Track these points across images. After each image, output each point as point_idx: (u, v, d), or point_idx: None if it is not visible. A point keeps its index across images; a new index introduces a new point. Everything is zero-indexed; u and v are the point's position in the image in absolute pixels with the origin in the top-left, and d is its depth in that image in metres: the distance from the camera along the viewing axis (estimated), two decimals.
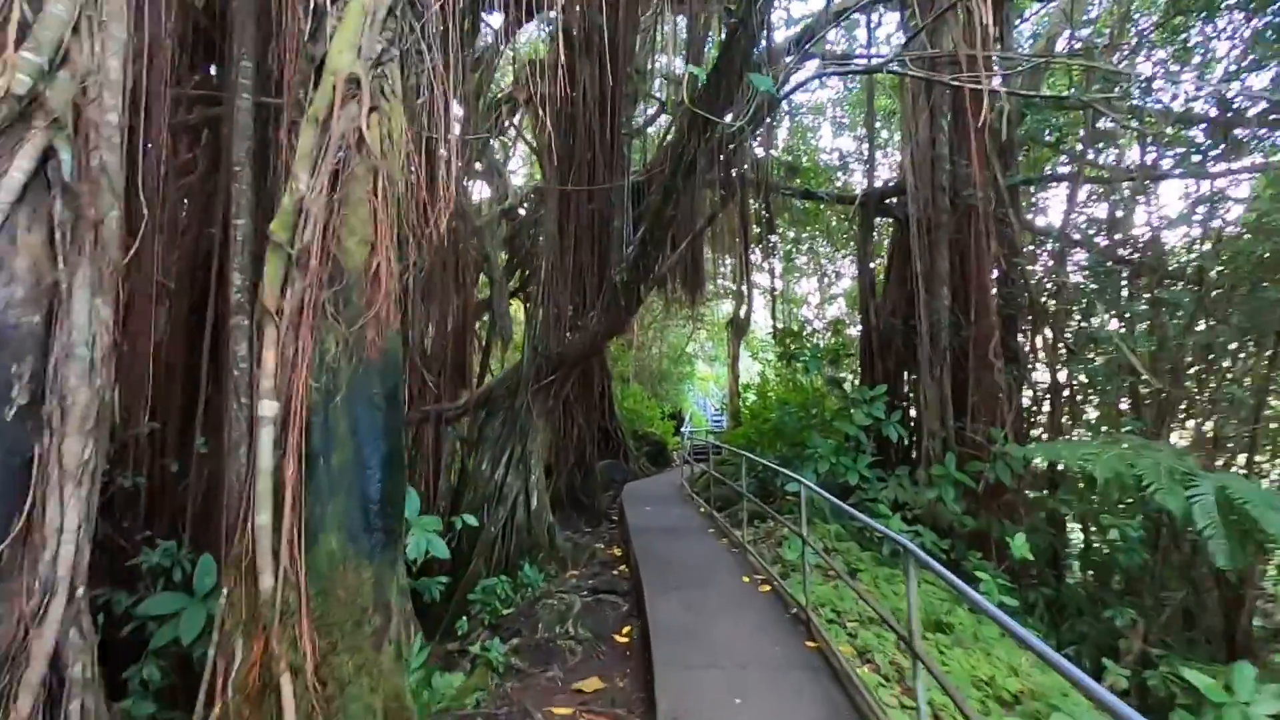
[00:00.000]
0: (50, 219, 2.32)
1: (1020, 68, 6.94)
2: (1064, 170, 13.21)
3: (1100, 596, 7.20)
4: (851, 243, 17.88)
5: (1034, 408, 11.01)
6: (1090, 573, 8.05)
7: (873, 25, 13.47)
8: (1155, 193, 10.98)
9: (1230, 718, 3.93)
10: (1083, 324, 10.71)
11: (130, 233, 5.24)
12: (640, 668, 5.20)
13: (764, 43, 7.71)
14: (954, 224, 10.12)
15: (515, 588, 7.41)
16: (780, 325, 16.63)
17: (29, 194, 2.30)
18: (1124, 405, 10.19)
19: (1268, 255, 8.74)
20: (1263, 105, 9.73)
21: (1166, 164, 11.10)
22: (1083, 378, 9.12)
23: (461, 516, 4.83)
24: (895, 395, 10.60)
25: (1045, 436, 10.62)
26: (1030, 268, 9.66)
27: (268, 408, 2.39)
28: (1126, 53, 11.01)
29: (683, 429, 22.14)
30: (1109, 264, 10.08)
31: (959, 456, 8.56)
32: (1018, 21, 13.40)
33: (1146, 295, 8.49)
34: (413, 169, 2.76)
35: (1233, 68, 10.34)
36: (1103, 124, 11.69)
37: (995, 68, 8.17)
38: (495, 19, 10.54)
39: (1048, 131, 13.30)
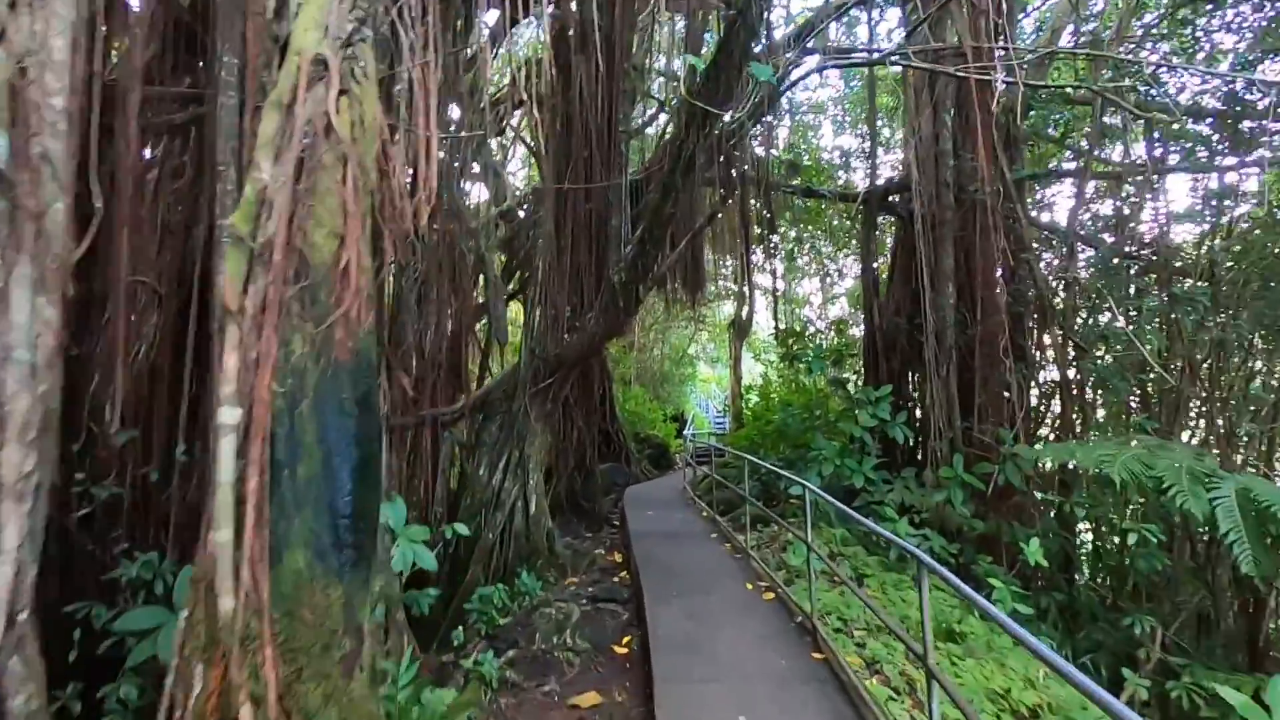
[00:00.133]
0: None
1: (1026, 58, 6.74)
2: (1069, 167, 13.06)
3: (1115, 602, 6.98)
4: (854, 241, 17.71)
5: (1040, 407, 10.80)
6: (1102, 578, 7.84)
7: (873, 23, 13.31)
8: (1163, 188, 10.76)
9: None
10: (1090, 321, 10.51)
11: (101, 230, 5.06)
12: (640, 681, 5.01)
13: (763, 36, 7.53)
14: (959, 220, 9.94)
15: (512, 596, 7.22)
16: (782, 326, 16.44)
17: None
18: (1132, 404, 10.01)
19: (1279, 251, 8.55)
20: (1272, 97, 9.54)
21: (1173, 159, 10.93)
22: (1092, 376, 8.89)
23: (453, 525, 4.63)
24: (900, 396, 10.40)
25: (1053, 436, 10.41)
26: (1039, 264, 9.44)
27: (229, 414, 2.21)
28: (1132, 46, 10.82)
29: (685, 431, 21.95)
30: (1115, 261, 9.88)
31: (966, 458, 8.36)
32: (1021, 16, 13.24)
33: (1159, 291, 8.27)
34: (390, 159, 2.58)
35: (1239, 62, 10.14)
36: (1109, 119, 11.53)
37: (1000, 60, 7.99)
38: (491, 16, 10.40)
39: (1052, 126, 13.14)
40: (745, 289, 17.53)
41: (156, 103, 6.22)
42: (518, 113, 15.85)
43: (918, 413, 10.77)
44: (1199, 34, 10.83)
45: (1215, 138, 10.45)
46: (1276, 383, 8.19)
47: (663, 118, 14.36)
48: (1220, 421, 9.07)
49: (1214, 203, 10.22)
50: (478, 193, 17.32)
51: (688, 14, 11.08)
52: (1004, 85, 10.39)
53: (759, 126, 12.08)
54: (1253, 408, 8.78)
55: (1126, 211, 11.16)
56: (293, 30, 2.31)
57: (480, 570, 8.68)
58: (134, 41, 4.26)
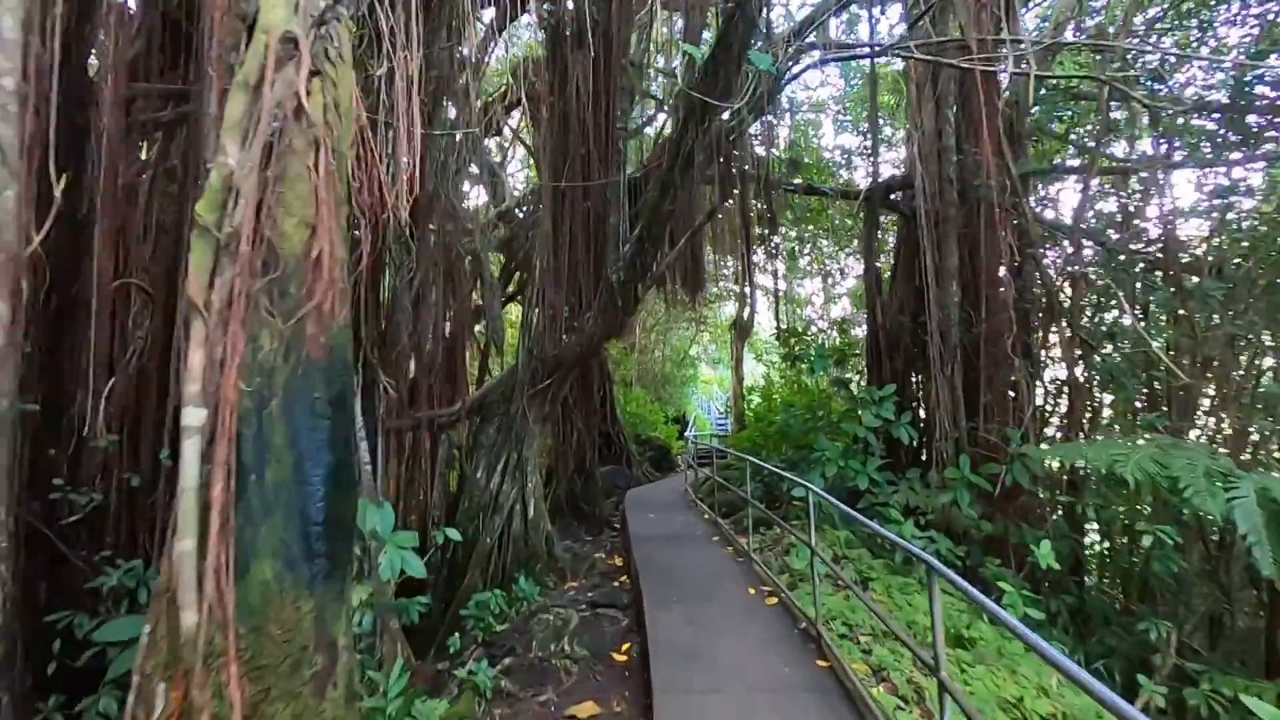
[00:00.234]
0: None
1: (1030, 49, 6.59)
2: (1072, 165, 12.90)
3: (1126, 605, 6.82)
4: (856, 240, 17.56)
5: (1046, 406, 10.65)
6: (1111, 580, 7.67)
7: (874, 21, 13.18)
8: (1169, 184, 10.60)
9: None
10: (1097, 318, 10.35)
11: (85, 231, 4.93)
12: (639, 690, 4.86)
13: (763, 30, 7.40)
14: (962, 217, 9.79)
15: (510, 602, 7.08)
16: (784, 326, 16.29)
17: None
18: (1140, 402, 9.84)
19: None
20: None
21: (1179, 155, 10.77)
22: (1097, 374, 8.73)
23: (445, 530, 4.49)
24: (904, 396, 10.24)
25: (1060, 436, 10.25)
26: (1044, 260, 9.28)
27: (193, 416, 2.07)
28: (1136, 41, 10.66)
29: (687, 433, 21.79)
30: (1121, 257, 9.72)
31: (972, 458, 8.20)
32: (1023, 10, 13.09)
33: (1172, 288, 8.11)
34: (368, 145, 2.44)
35: (1244, 55, 9.99)
36: (1115, 114, 11.37)
37: (1004, 53, 7.85)
38: (488, 14, 10.28)
39: (1056, 123, 12.98)
40: (747, 289, 17.38)
41: (145, 100, 6.11)
42: (516, 113, 15.77)
43: (921, 413, 10.61)
44: (1204, 25, 10.68)
45: (1221, 133, 10.31)
46: None
47: (661, 117, 14.26)
48: (1225, 418, 8.92)
49: (1221, 198, 10.05)
50: (477, 194, 17.27)
51: (685, 10, 10.97)
52: (1008, 78, 10.31)
53: (759, 124, 11.95)
54: (1260, 405, 8.62)
55: (1132, 208, 11.02)
56: (261, 7, 2.18)
57: (478, 575, 8.54)
58: (114, 35, 4.13)
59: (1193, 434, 9.21)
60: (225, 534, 2.02)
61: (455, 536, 4.51)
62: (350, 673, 2.13)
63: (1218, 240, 9.84)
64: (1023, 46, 6.39)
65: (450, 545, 9.26)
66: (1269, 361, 9.22)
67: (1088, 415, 8.88)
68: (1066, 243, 10.92)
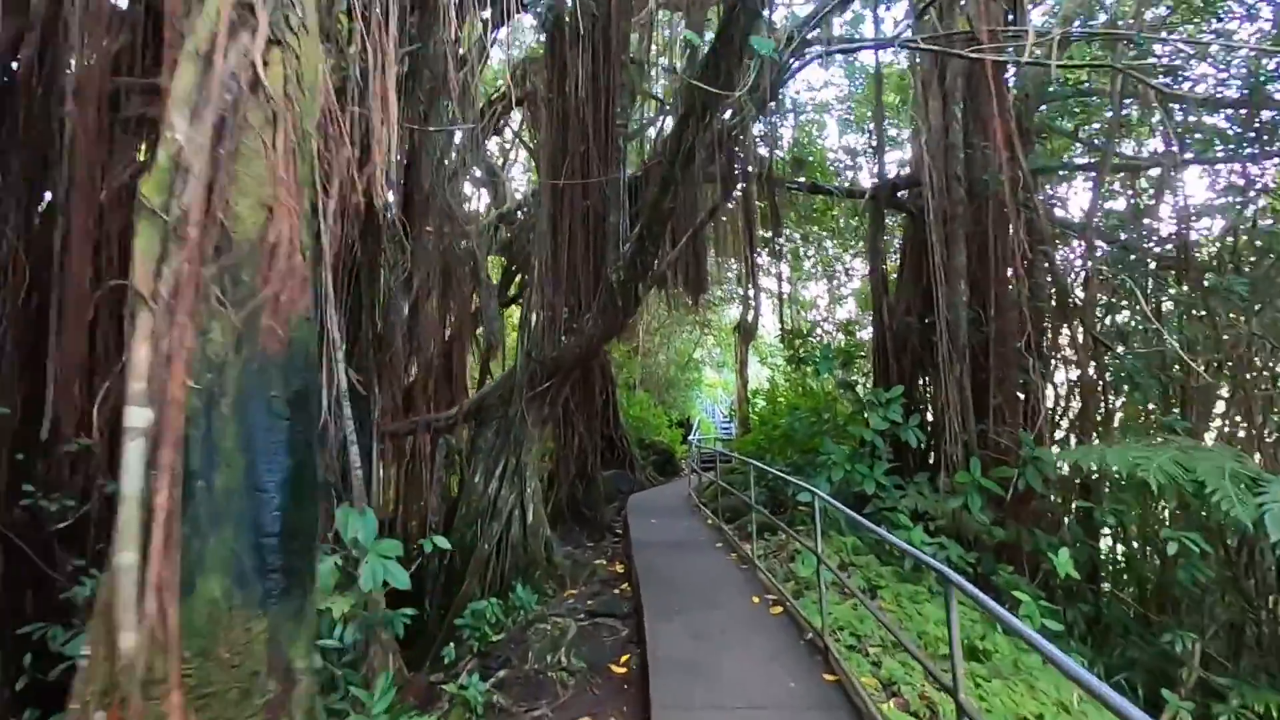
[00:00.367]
0: None
1: (1041, 40, 6.39)
2: (1080, 163, 12.68)
3: (1144, 614, 6.57)
4: (861, 241, 17.34)
5: (1056, 408, 10.40)
6: (1127, 587, 7.41)
7: (879, 21, 13.00)
8: (1182, 181, 10.37)
9: None
10: (1109, 317, 10.11)
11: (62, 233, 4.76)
12: (638, 705, 4.65)
13: (765, 23, 7.21)
14: (970, 215, 9.57)
15: (506, 611, 6.88)
16: (789, 328, 16.07)
17: None
18: (1153, 404, 9.59)
19: None
20: None
21: (1188, 153, 10.53)
22: (1113, 374, 8.48)
23: (433, 538, 4.30)
24: (911, 398, 10.00)
25: (1072, 438, 10.00)
26: (1055, 258, 9.05)
27: (137, 416, 1.88)
28: (1148, 32, 10.43)
29: (690, 436, 21.57)
30: (1133, 257, 9.48)
31: (983, 462, 7.96)
32: (1031, 6, 12.88)
33: (1183, 285, 7.86)
34: (338, 124, 2.25)
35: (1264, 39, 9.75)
36: (1125, 110, 11.14)
37: (1012, 49, 7.64)
38: (487, 10, 10.13)
39: (1064, 119, 12.76)
40: (750, 291, 17.15)
41: (134, 97, 5.95)
42: (517, 114, 15.64)
43: (929, 415, 10.37)
44: (1215, 18, 10.44)
45: (1233, 130, 10.08)
46: None
47: (663, 119, 14.09)
48: (1241, 419, 8.66)
49: (1235, 196, 9.81)
50: (479, 197, 17.14)
51: (686, 8, 10.81)
52: (1017, 72, 10.09)
53: (762, 123, 11.76)
54: (1278, 407, 8.36)
55: (1145, 204, 10.78)
56: None
57: (476, 582, 8.34)
58: (90, 28, 3.98)
59: (1207, 436, 8.96)
60: (169, 547, 1.83)
61: (444, 545, 4.31)
62: (310, 699, 1.93)
63: (1232, 239, 9.59)
64: (1032, 36, 6.17)
65: (447, 552, 9.07)
66: None
67: (1103, 417, 8.61)
68: (1077, 241, 10.69)
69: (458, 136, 9.54)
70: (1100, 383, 8.69)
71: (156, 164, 1.93)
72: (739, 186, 11.37)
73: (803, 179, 13.01)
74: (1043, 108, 11.38)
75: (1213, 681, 5.35)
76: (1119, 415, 9.91)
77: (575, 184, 8.31)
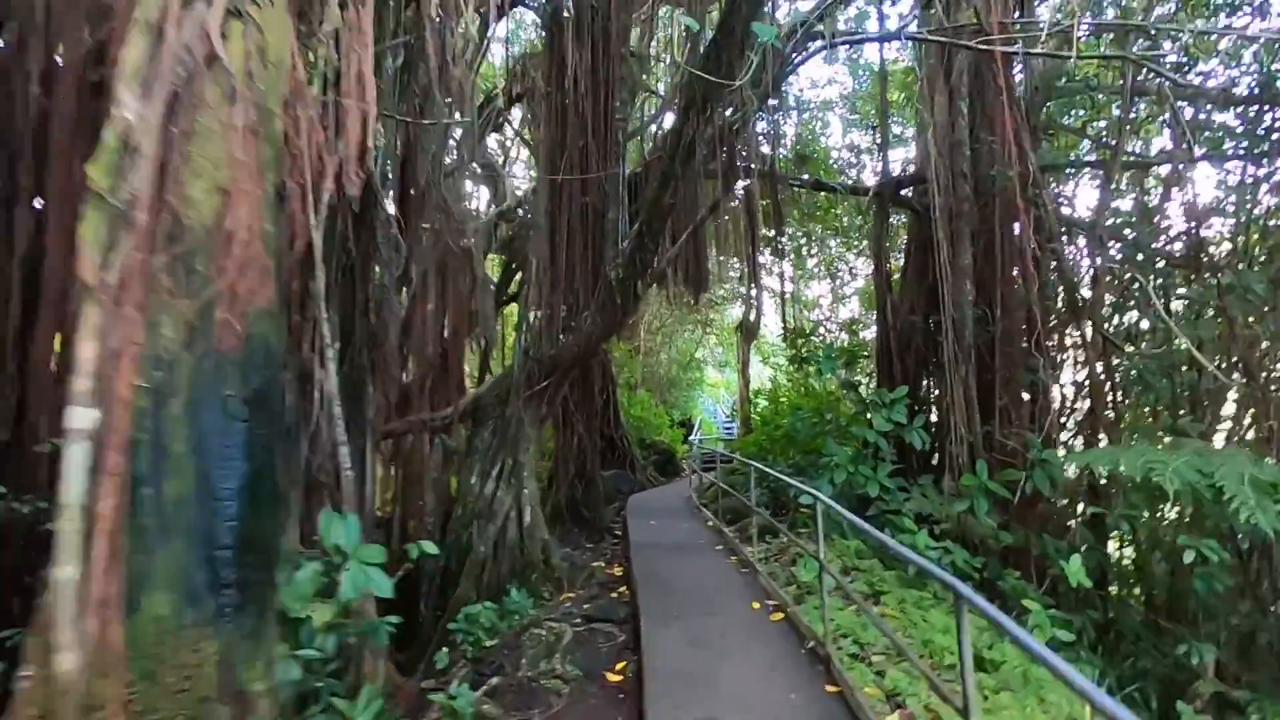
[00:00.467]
0: None
1: (1050, 28, 6.22)
2: (1088, 161, 12.49)
3: (1155, 621, 6.39)
4: (864, 239, 17.16)
5: (1061, 409, 10.22)
6: (1138, 594, 7.23)
7: (884, 17, 12.83)
8: (1191, 179, 10.18)
9: None
10: (1118, 317, 9.93)
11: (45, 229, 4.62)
12: (633, 716, 4.50)
13: (769, 9, 7.04)
14: (977, 213, 9.41)
15: (501, 615, 6.72)
16: (791, 326, 15.90)
17: None
18: (1162, 406, 9.40)
19: None
20: None
21: (1196, 151, 10.34)
22: (1122, 375, 8.29)
23: (419, 545, 4.15)
24: (915, 399, 9.83)
25: (1078, 440, 9.83)
26: (1064, 255, 8.86)
27: (82, 416, 1.73)
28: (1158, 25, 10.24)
29: (691, 436, 21.40)
30: (1141, 256, 9.30)
31: (989, 464, 7.79)
32: (1037, 3, 12.69)
33: (1195, 283, 7.68)
34: (308, 103, 2.10)
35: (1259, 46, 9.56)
36: (1134, 113, 10.94)
37: (1021, 41, 7.47)
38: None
39: (1070, 118, 12.57)
40: (752, 290, 16.98)
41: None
42: (518, 111, 15.49)
43: (933, 416, 10.20)
44: (1228, 10, 10.25)
45: (1241, 127, 9.90)
46: None
47: (663, 115, 13.92)
48: (1251, 421, 8.47)
49: (1246, 194, 9.63)
50: (481, 195, 17.00)
51: (688, 3, 10.64)
52: (1023, 69, 9.91)
53: (765, 119, 11.59)
54: None
55: (1154, 202, 10.60)
56: None
57: (472, 585, 8.20)
58: (68, 18, 3.84)
59: (1216, 439, 8.78)
60: (113, 560, 1.68)
61: (431, 550, 4.15)
62: None
63: (1243, 238, 9.41)
64: (1041, 26, 6.01)
65: (445, 554, 8.93)
66: None
67: (1115, 418, 8.42)
68: (1083, 239, 10.51)
69: (457, 131, 9.40)
70: (1109, 384, 8.50)
71: (104, 144, 1.78)
72: (741, 183, 11.22)
73: (806, 175, 12.82)
74: (1049, 104, 11.20)
75: (1232, 695, 5.17)
76: (1127, 417, 9.73)
77: (574, 180, 8.16)
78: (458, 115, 9.14)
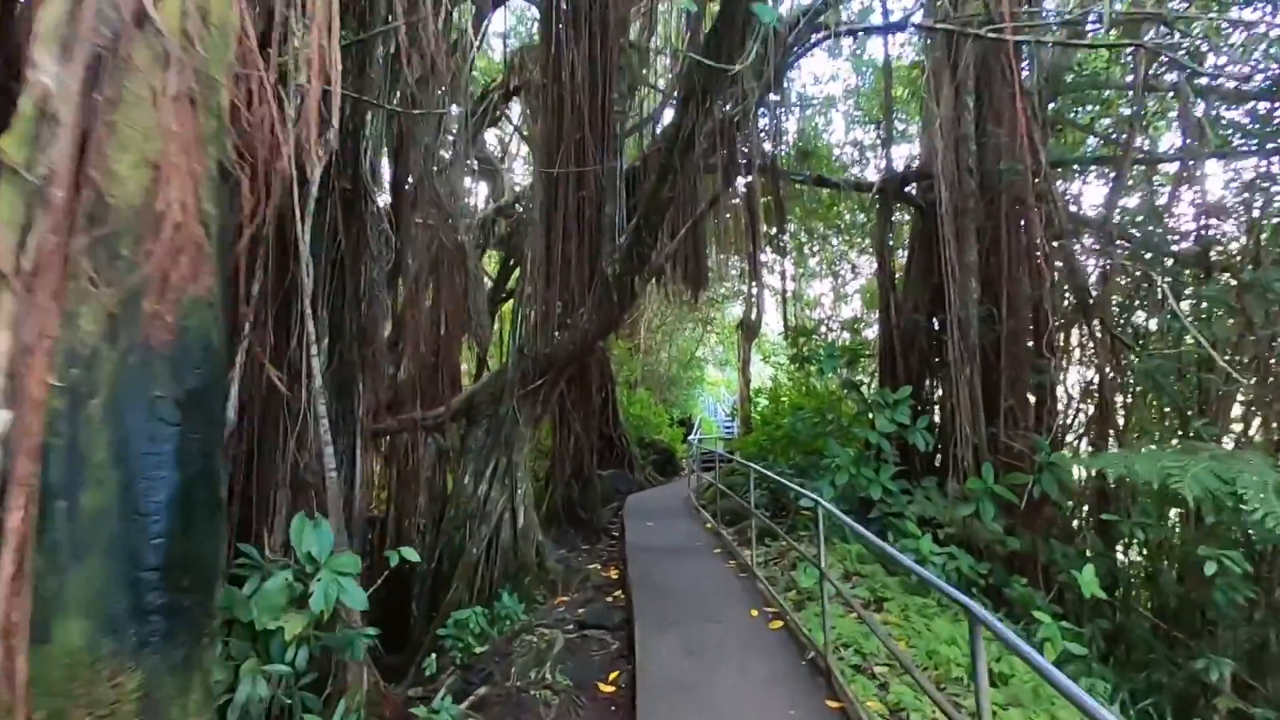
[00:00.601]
0: None
1: (1061, 16, 6.01)
2: (1095, 157, 12.27)
3: (1168, 631, 6.18)
4: (867, 237, 16.93)
5: (1067, 411, 10.01)
6: (1147, 602, 7.02)
7: (888, 12, 12.60)
8: (1203, 176, 9.95)
9: None
10: (1124, 317, 9.71)
11: None
12: None
13: (770, 4, 6.80)
14: (983, 209, 9.20)
15: (492, 620, 6.54)
16: (793, 324, 15.69)
17: None
18: (1170, 408, 9.20)
19: None
20: None
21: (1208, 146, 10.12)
22: (1133, 376, 8.07)
23: (399, 551, 3.95)
24: (918, 399, 9.63)
25: (1083, 442, 9.62)
26: (1074, 252, 8.64)
27: None
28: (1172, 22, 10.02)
29: (691, 436, 21.20)
30: (1149, 255, 9.08)
31: (995, 467, 7.58)
32: None
33: (1206, 282, 7.46)
34: (262, 72, 1.90)
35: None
36: (1142, 109, 10.71)
37: (1029, 31, 7.25)
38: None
39: (1078, 112, 12.34)
40: (753, 288, 16.77)
41: None
42: (517, 106, 15.27)
43: (936, 417, 9.99)
44: (1236, 6, 10.01)
45: (1252, 124, 9.67)
46: None
47: (662, 112, 13.70)
48: (1261, 423, 8.26)
49: (1258, 191, 9.40)
50: (479, 190, 16.80)
51: None
52: (1030, 64, 9.69)
53: (766, 114, 11.36)
54: None
55: (1164, 199, 10.37)
56: None
57: (464, 588, 8.01)
58: None
59: (1225, 441, 8.57)
60: (19, 582, 1.48)
61: (412, 556, 3.96)
62: None
63: (1254, 236, 9.18)
64: (1050, 16, 5.79)
65: (437, 555, 8.75)
66: None
67: (1126, 421, 8.20)
68: (1088, 237, 10.29)
69: (452, 124, 9.20)
70: (1119, 385, 8.28)
71: (20, 112, 1.59)
72: (742, 180, 11.00)
73: (808, 171, 12.60)
74: (1057, 100, 10.98)
75: (1253, 714, 4.96)
76: (1134, 419, 9.52)
77: (570, 173, 7.95)
78: (453, 108, 8.96)
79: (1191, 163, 9.45)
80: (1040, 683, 4.25)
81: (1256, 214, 9.09)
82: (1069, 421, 9.92)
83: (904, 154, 15.64)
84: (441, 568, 8.43)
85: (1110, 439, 8.24)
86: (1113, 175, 10.31)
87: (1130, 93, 11.43)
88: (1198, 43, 9.36)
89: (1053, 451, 7.54)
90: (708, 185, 9.52)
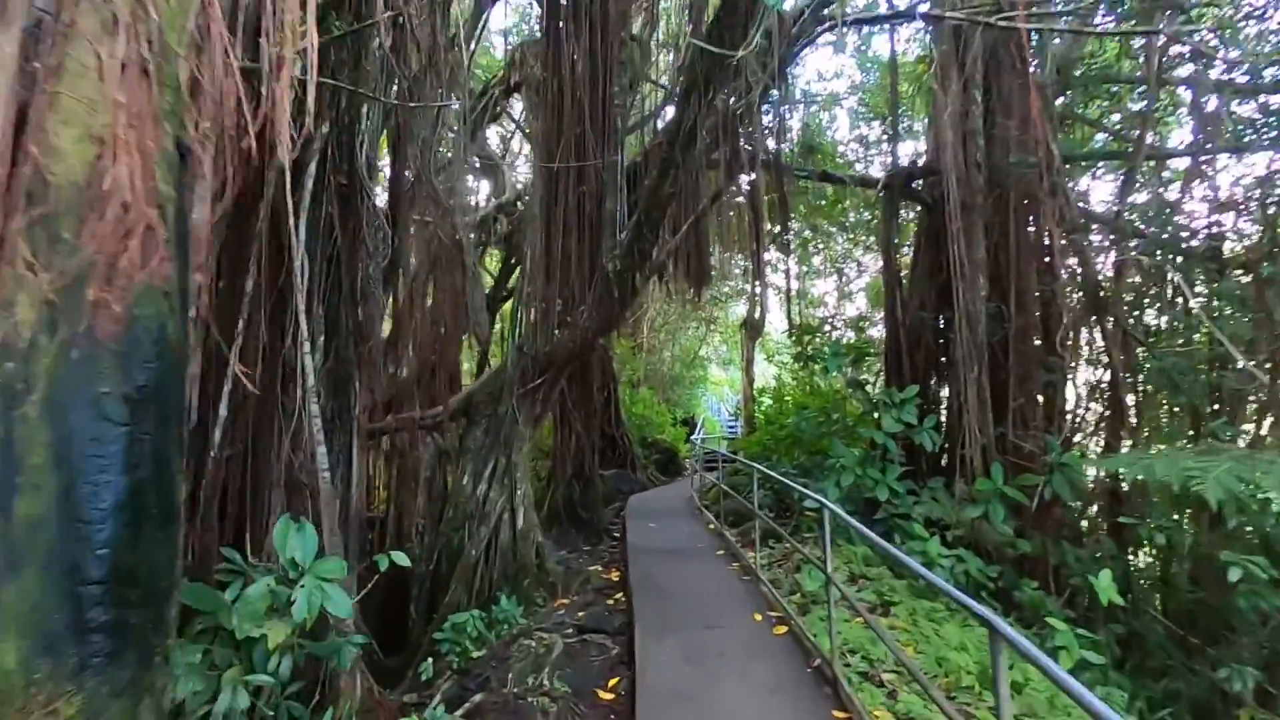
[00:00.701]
0: None
1: (1073, 6, 5.83)
2: (1109, 152, 12.09)
3: (1184, 637, 6.01)
4: (872, 235, 16.76)
5: (1076, 410, 9.83)
6: (1162, 607, 6.84)
7: (894, 6, 12.42)
8: (1215, 171, 9.77)
9: None
10: (1133, 314, 9.53)
11: None
12: None
13: None
14: (991, 205, 9.03)
15: (490, 624, 6.40)
16: (797, 323, 15.51)
17: None
18: (1179, 408, 9.02)
19: None
20: None
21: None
22: (1148, 374, 7.90)
23: (388, 555, 3.82)
24: (924, 398, 9.46)
25: (1096, 444, 9.44)
26: (1087, 248, 8.46)
27: None
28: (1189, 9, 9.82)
29: (694, 436, 21.05)
30: (1160, 253, 8.90)
31: (1004, 468, 7.41)
32: None
33: (1236, 277, 7.28)
34: (224, 41, 1.75)
35: None
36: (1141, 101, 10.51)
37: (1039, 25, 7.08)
38: None
39: (1088, 108, 12.15)
40: (757, 287, 16.60)
41: None
42: (520, 104, 15.14)
43: (943, 417, 9.82)
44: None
45: (1262, 119, 9.49)
46: None
47: (664, 109, 13.55)
48: (1271, 421, 8.08)
49: (1271, 186, 9.21)
50: (481, 188, 16.68)
51: None
52: (1039, 58, 9.52)
53: (770, 107, 11.19)
54: None
55: (1173, 195, 10.19)
56: None
57: (463, 590, 7.87)
58: None
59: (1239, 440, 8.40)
60: None
61: (402, 561, 3.82)
62: None
63: (1271, 230, 8.99)
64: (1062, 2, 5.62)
65: (436, 557, 8.62)
66: None
67: (1138, 420, 8.02)
68: (1098, 235, 10.11)
69: (452, 119, 9.07)
70: (1132, 383, 8.10)
71: None
72: (746, 176, 10.83)
73: (812, 167, 12.42)
74: (1066, 94, 10.80)
75: None
76: (1146, 419, 9.34)
77: (570, 167, 7.81)
78: (454, 103, 8.82)
79: (1204, 158, 9.28)
80: (1056, 692, 4.09)
81: (1272, 210, 8.91)
82: (1078, 421, 9.76)
83: (910, 151, 15.49)
84: (440, 569, 8.31)
85: (1123, 439, 8.05)
86: (1121, 172, 10.14)
87: (1139, 87, 11.27)
88: (1210, 37, 9.19)
89: (1063, 452, 7.37)
90: (710, 181, 9.36)
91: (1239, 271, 8.60)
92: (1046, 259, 9.21)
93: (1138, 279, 8.57)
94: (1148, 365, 7.85)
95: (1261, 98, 9.52)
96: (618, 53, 7.92)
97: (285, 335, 6.17)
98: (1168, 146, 11.66)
